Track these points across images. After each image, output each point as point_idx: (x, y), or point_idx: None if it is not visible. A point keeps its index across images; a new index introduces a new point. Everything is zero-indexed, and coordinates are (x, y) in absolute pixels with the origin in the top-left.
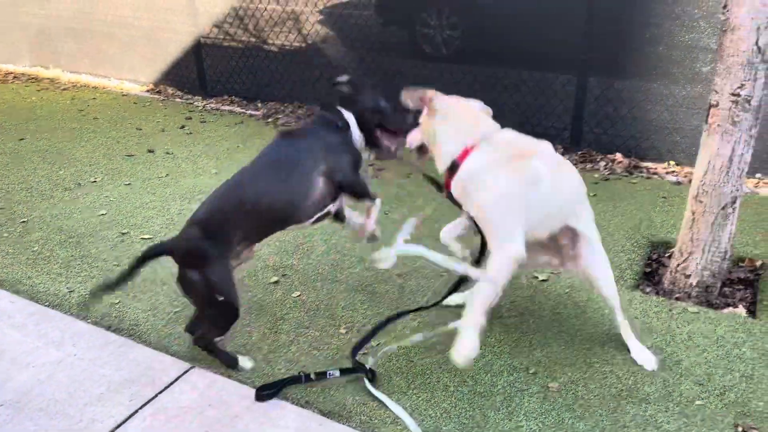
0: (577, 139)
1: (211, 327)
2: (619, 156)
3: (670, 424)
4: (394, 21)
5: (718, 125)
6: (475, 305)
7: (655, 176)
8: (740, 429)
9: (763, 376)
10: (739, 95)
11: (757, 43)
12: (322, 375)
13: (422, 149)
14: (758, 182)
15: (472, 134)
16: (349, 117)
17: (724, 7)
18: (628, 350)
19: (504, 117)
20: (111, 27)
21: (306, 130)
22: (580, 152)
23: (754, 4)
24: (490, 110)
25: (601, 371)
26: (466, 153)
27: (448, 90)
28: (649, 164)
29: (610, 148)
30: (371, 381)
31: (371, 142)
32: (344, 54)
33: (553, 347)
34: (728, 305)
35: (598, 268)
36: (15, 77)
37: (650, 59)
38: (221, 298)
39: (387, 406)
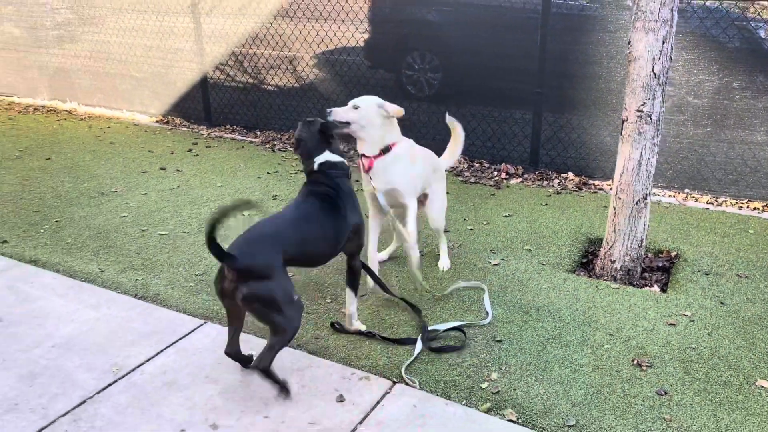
0: (535, 160)
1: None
2: (571, 175)
3: (582, 360)
4: (381, 64)
5: (629, 135)
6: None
7: (601, 191)
8: (636, 362)
9: (660, 329)
10: (642, 111)
11: (653, 69)
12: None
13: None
14: (686, 196)
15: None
16: None
17: (629, 43)
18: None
19: (475, 143)
20: (125, 65)
21: None
22: (537, 172)
23: (649, 40)
24: None
25: (534, 326)
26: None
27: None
28: (597, 182)
29: (563, 168)
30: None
31: None
32: (334, 91)
33: (498, 311)
34: (646, 285)
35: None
36: (35, 109)
37: (593, 92)
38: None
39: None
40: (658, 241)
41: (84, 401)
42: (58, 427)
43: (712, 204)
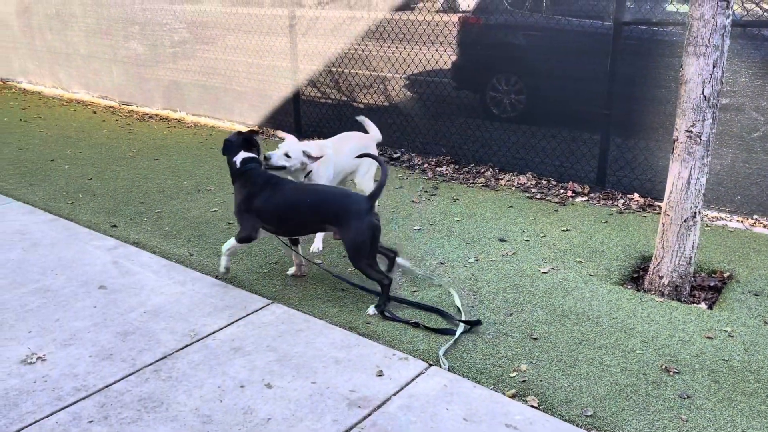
0: (602, 180)
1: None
2: (636, 196)
3: (611, 361)
4: (467, 86)
5: (678, 155)
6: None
7: None
8: (665, 367)
9: (696, 341)
10: (692, 132)
11: (703, 92)
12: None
13: None
14: (755, 222)
15: None
16: None
17: (681, 66)
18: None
19: (544, 161)
20: (228, 80)
21: None
22: (603, 191)
23: (700, 64)
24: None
25: (571, 329)
26: None
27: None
28: (662, 204)
29: (629, 189)
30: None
31: None
32: (413, 107)
33: (539, 313)
34: (694, 303)
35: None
36: (150, 117)
37: (661, 115)
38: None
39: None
40: (714, 262)
41: (165, 356)
42: (143, 374)
43: None
